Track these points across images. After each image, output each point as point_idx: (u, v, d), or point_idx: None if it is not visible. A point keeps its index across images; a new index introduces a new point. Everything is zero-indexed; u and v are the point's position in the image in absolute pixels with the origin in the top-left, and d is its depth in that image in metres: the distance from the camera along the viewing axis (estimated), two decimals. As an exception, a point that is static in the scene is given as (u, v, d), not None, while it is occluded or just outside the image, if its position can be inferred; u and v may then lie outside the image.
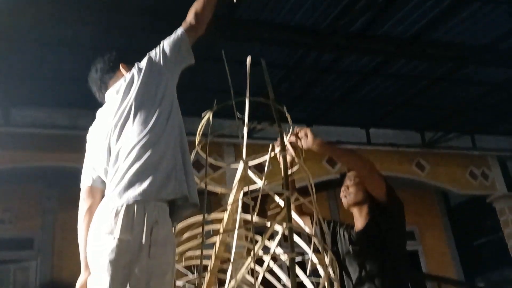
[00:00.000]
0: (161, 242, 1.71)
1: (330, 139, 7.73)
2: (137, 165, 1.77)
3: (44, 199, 8.20)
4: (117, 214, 1.69)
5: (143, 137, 1.82)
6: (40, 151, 6.85)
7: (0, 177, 7.13)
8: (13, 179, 7.50)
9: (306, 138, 2.55)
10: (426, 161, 8.95)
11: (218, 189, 2.81)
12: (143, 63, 2.00)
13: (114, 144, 1.86)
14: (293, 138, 2.55)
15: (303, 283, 2.87)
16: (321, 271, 2.58)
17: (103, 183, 2.00)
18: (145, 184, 1.74)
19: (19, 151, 6.76)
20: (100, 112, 2.09)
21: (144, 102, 1.89)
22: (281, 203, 2.56)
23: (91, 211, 1.95)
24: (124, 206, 1.69)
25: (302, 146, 2.55)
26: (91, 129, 2.10)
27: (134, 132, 1.83)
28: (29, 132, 6.73)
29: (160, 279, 1.69)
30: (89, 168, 2.04)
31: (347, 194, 2.64)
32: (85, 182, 2.04)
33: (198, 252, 2.79)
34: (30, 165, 6.88)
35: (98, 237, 1.71)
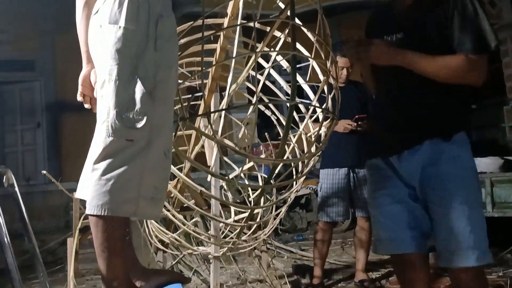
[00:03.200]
0: (166, 36, 1.70)
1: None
2: None
3: (40, 20, 8.04)
4: (121, 3, 1.66)
5: None
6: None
7: (-8, -4, 6.90)
8: (6, -1, 7.26)
9: None
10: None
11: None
12: None
13: None
14: None
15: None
16: (320, 76, 2.65)
17: None
18: None
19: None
20: None
21: None
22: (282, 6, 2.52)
23: (89, 4, 1.91)
24: None
25: None
26: None
27: None
28: None
29: (166, 71, 1.72)
30: None
31: None
32: None
33: (198, 58, 2.81)
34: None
35: (101, 28, 1.69)
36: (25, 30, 8.03)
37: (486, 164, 4.28)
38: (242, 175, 3.42)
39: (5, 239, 1.31)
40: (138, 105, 1.64)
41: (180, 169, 3.03)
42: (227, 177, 2.38)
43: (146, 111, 1.65)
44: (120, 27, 1.64)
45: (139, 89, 1.65)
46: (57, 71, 8.19)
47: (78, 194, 1.77)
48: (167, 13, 1.73)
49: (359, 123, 3.61)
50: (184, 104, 2.18)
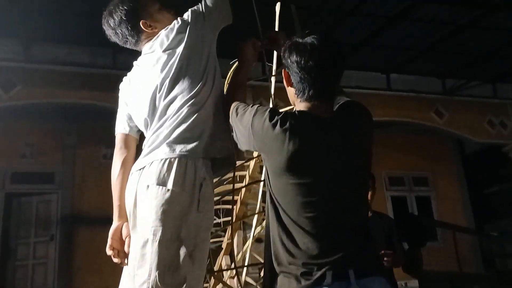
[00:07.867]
0: (207, 197, 1.77)
1: (350, 84, 7.69)
2: (188, 122, 1.79)
3: (64, 135, 8.33)
4: (170, 166, 1.72)
5: (195, 95, 1.82)
6: (59, 87, 6.87)
7: (21, 113, 7.23)
8: (33, 115, 7.60)
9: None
10: (445, 109, 8.87)
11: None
12: (189, 18, 1.94)
13: (161, 99, 1.84)
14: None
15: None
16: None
17: (139, 132, 2.01)
18: (197, 141, 1.78)
19: (39, 88, 6.80)
20: (138, 63, 2.04)
21: (192, 59, 1.87)
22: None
23: (126, 162, 1.96)
24: (177, 160, 1.73)
25: None
26: (126, 78, 2.06)
27: (185, 90, 1.83)
28: (49, 68, 6.74)
29: (206, 232, 1.77)
30: (125, 116, 2.03)
31: None
32: (121, 129, 2.03)
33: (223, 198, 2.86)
34: (49, 101, 6.93)
35: (148, 188, 1.73)
36: (48, 144, 8.31)
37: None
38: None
39: None
40: (179, 268, 1.67)
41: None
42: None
43: (186, 274, 1.68)
44: (168, 189, 1.69)
45: (181, 251, 1.69)
46: (75, 184, 8.31)
47: None
48: (209, 176, 1.81)
49: (385, 259, 3.49)
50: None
